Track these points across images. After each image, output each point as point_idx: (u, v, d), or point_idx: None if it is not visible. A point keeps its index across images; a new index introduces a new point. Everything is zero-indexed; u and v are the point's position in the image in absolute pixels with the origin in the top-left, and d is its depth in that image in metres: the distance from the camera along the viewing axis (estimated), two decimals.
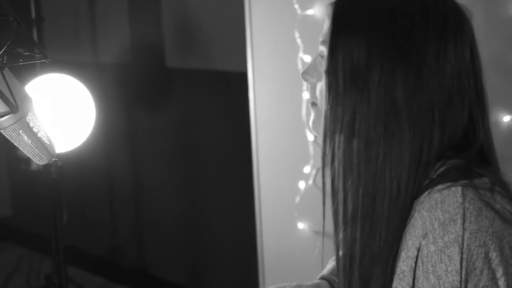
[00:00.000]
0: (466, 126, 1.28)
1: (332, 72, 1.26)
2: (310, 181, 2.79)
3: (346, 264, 1.30)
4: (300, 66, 2.70)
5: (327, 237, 2.75)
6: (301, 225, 2.84)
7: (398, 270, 1.23)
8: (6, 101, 1.10)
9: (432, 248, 1.18)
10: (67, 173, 3.63)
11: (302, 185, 2.80)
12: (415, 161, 1.23)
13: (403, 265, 1.22)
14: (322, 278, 1.63)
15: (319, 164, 2.72)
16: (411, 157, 1.23)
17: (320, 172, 2.72)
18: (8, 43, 1.10)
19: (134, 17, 4.13)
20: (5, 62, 1.12)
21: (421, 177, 1.24)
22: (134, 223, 4.43)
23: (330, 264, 1.67)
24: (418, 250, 1.19)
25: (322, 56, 1.33)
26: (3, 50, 1.09)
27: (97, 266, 4.63)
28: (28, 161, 4.18)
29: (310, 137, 2.74)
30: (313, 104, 1.36)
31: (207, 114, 3.81)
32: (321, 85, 1.32)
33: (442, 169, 1.23)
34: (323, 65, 1.31)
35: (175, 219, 4.13)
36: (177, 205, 4.10)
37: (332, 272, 1.63)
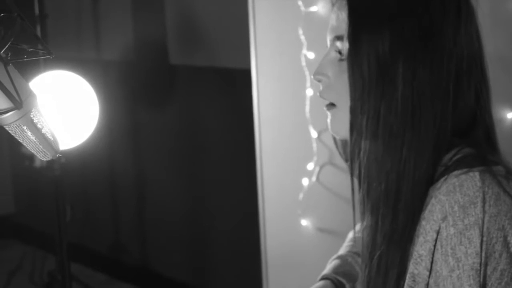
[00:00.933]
0: (474, 109, 1.29)
1: (356, 68, 1.26)
2: (314, 178, 2.78)
3: (368, 252, 1.33)
4: (304, 63, 2.69)
5: (333, 235, 2.75)
6: (304, 222, 2.84)
7: (415, 255, 1.24)
8: (11, 97, 1.09)
9: (452, 230, 1.18)
10: (70, 170, 3.63)
11: (305, 182, 2.80)
12: (434, 147, 1.25)
13: (421, 249, 1.22)
14: (325, 277, 1.63)
15: (323, 161, 2.74)
16: (432, 143, 1.25)
17: (323, 170, 2.73)
18: (12, 39, 1.10)
19: (138, 14, 4.13)
20: (9, 58, 1.12)
21: (436, 162, 1.25)
22: (137, 220, 4.43)
23: (331, 263, 1.67)
24: (437, 233, 1.20)
25: (338, 52, 1.32)
26: (7, 46, 1.09)
27: (100, 263, 4.64)
28: (31, 158, 4.18)
29: (314, 134, 2.74)
30: (331, 105, 1.35)
31: (211, 111, 3.81)
32: (340, 83, 1.31)
33: (457, 156, 1.25)
34: (337, 63, 1.31)
35: (178, 216, 4.13)
36: (180, 202, 4.10)
37: (334, 270, 1.63)
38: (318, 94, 1.38)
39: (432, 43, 1.25)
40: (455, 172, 1.23)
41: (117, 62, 4.32)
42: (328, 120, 1.38)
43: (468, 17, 1.29)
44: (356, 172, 1.34)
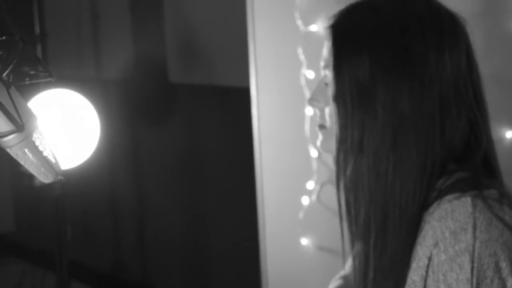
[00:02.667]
0: (467, 134, 1.29)
1: (339, 95, 1.28)
2: (314, 197, 2.78)
3: (361, 279, 1.32)
4: (303, 82, 2.70)
5: (333, 254, 2.75)
6: (304, 241, 2.84)
7: (409, 281, 1.24)
8: (12, 120, 1.10)
9: (443, 256, 1.18)
10: (71, 189, 3.63)
11: (305, 200, 2.80)
12: (420, 172, 1.25)
13: (414, 275, 1.22)
14: None
15: (323, 179, 2.74)
16: (417, 167, 1.25)
17: (323, 188, 2.73)
18: (14, 62, 1.11)
19: (137, 32, 4.14)
20: (11, 80, 1.13)
21: (426, 188, 1.26)
22: (137, 239, 4.42)
23: (334, 283, 1.67)
24: (429, 259, 1.20)
25: (326, 82, 1.34)
26: (9, 69, 1.10)
27: (100, 282, 4.62)
28: (31, 176, 4.17)
29: (314, 152, 2.74)
30: (322, 126, 1.38)
31: (210, 129, 3.81)
32: (329, 108, 1.33)
33: (449, 181, 1.25)
34: (328, 89, 1.33)
35: (179, 235, 4.12)
36: (181, 221, 4.10)
37: None
38: (317, 118, 1.40)
39: (411, 69, 1.25)
40: (448, 197, 1.23)
41: (117, 81, 4.33)
42: (319, 140, 1.39)
43: (452, 40, 1.27)
44: (343, 198, 1.34)
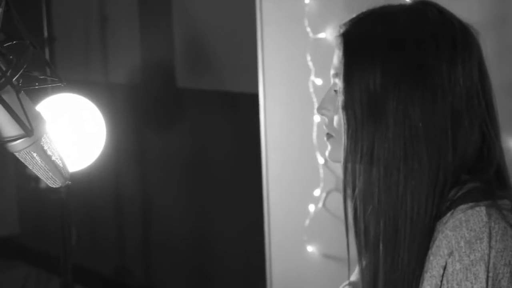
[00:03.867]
0: (479, 146, 1.28)
1: (349, 105, 1.27)
2: (320, 204, 2.78)
3: None
4: (311, 89, 2.70)
5: (339, 262, 2.75)
6: (310, 248, 2.83)
7: None
8: (21, 124, 1.10)
9: (458, 266, 1.18)
10: (76, 192, 3.63)
11: (312, 208, 2.80)
12: (432, 183, 1.25)
13: (427, 284, 1.22)
14: None
15: (329, 187, 2.74)
16: (429, 179, 1.24)
17: (330, 196, 2.73)
18: (25, 66, 1.11)
19: (145, 37, 4.14)
20: (20, 85, 1.13)
21: (439, 199, 1.25)
22: (142, 243, 4.42)
23: None
24: (444, 268, 1.19)
25: (335, 90, 1.34)
26: (19, 73, 1.09)
27: (104, 286, 4.62)
28: (37, 179, 4.18)
29: (321, 160, 2.73)
30: (330, 136, 1.37)
31: (218, 135, 3.81)
32: (338, 117, 1.32)
33: (462, 191, 1.24)
34: (337, 98, 1.32)
35: (184, 240, 4.12)
36: (186, 226, 4.09)
37: None
38: (324, 127, 1.39)
39: (423, 80, 1.24)
40: (461, 207, 1.22)
41: (124, 85, 4.33)
42: (327, 150, 1.39)
43: (465, 52, 1.26)
44: (351, 210, 1.34)
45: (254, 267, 3.46)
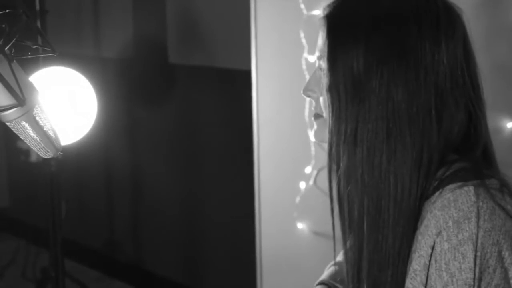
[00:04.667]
0: (466, 125, 1.28)
1: (333, 86, 1.27)
2: (311, 182, 2.78)
3: (354, 272, 1.32)
4: (304, 67, 2.69)
5: (328, 239, 2.75)
6: (300, 225, 2.84)
7: (410, 270, 1.23)
8: (14, 94, 1.09)
9: (446, 245, 1.18)
10: (66, 166, 3.62)
11: (302, 185, 2.80)
12: (416, 164, 1.25)
13: (415, 264, 1.22)
14: (322, 283, 1.63)
15: (320, 165, 2.74)
16: (413, 159, 1.24)
17: (321, 173, 2.73)
18: (17, 36, 1.10)
19: (138, 12, 4.12)
20: (13, 54, 1.12)
21: (424, 180, 1.25)
22: (132, 218, 4.42)
23: (329, 269, 1.67)
24: (432, 248, 1.20)
25: (321, 70, 1.33)
26: (12, 42, 1.09)
27: (93, 259, 4.63)
28: (27, 152, 4.18)
29: (312, 137, 2.73)
30: (317, 116, 1.37)
31: (209, 111, 3.80)
32: (323, 99, 1.32)
33: (450, 171, 1.24)
34: (323, 79, 1.32)
35: (174, 215, 4.13)
36: (176, 201, 4.10)
37: (331, 276, 1.63)
38: (312, 108, 1.39)
39: (406, 61, 1.23)
40: (450, 186, 1.22)
41: (116, 60, 4.31)
42: (313, 129, 1.39)
43: (448, 31, 1.26)
44: (335, 191, 1.33)
45: (244, 244, 3.47)
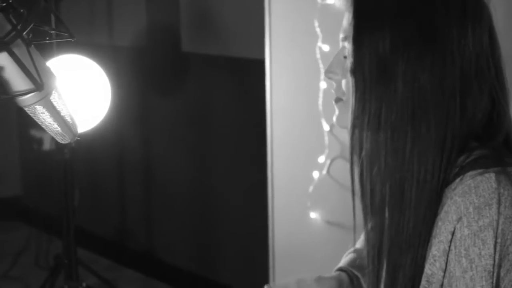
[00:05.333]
0: (488, 112, 1.28)
1: (358, 68, 1.27)
2: (324, 171, 2.78)
3: (375, 254, 1.32)
4: (318, 56, 2.69)
5: (341, 228, 2.75)
6: (313, 215, 2.84)
7: (429, 255, 1.23)
8: (32, 79, 1.09)
9: (466, 231, 1.18)
10: (79, 154, 3.63)
11: (316, 174, 2.80)
12: (440, 146, 1.25)
13: (435, 249, 1.22)
14: (340, 269, 1.63)
15: (334, 154, 2.74)
16: (436, 142, 1.25)
17: (334, 163, 2.73)
18: (35, 20, 1.10)
19: (151, 0, 4.12)
20: (30, 39, 1.12)
21: (446, 164, 1.25)
22: (144, 207, 4.43)
23: (347, 256, 1.68)
24: (452, 234, 1.20)
25: (344, 54, 1.33)
26: (30, 27, 1.08)
27: (104, 248, 4.64)
28: (40, 141, 4.19)
29: (326, 127, 2.73)
30: (338, 100, 1.37)
31: (222, 100, 3.80)
32: (346, 81, 1.32)
33: (471, 158, 1.24)
34: (346, 62, 1.31)
35: (186, 204, 4.13)
36: (189, 190, 4.10)
37: (350, 263, 1.64)
38: (332, 91, 1.39)
39: (433, 44, 1.24)
40: (470, 173, 1.22)
41: (129, 48, 4.32)
42: (335, 114, 1.38)
43: (475, 18, 1.26)
44: (358, 172, 1.34)
45: (257, 233, 3.47)
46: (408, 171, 1.25)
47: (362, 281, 1.61)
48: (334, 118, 1.39)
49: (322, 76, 2.69)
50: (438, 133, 1.24)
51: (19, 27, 1.08)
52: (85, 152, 4.06)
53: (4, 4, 1.07)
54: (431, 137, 1.24)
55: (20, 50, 1.09)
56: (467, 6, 1.26)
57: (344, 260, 1.65)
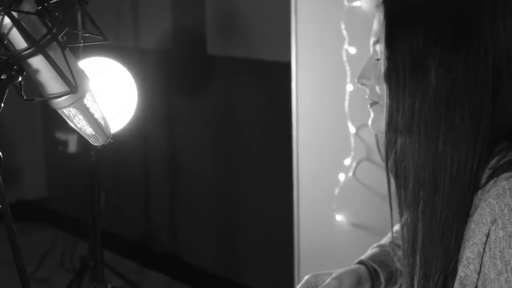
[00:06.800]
0: None
1: (392, 67, 1.27)
2: (350, 174, 2.78)
3: (409, 247, 1.34)
4: (345, 58, 2.69)
5: (367, 231, 2.75)
6: (339, 217, 2.84)
7: (463, 258, 1.23)
8: (67, 81, 1.10)
9: (501, 233, 1.18)
10: (105, 157, 3.65)
11: (342, 177, 2.80)
12: (473, 139, 1.25)
13: (469, 252, 1.22)
14: (360, 262, 1.64)
15: (360, 156, 2.74)
16: (470, 135, 1.25)
17: (360, 165, 2.73)
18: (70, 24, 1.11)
19: (177, 2, 4.14)
20: (65, 42, 1.13)
21: (480, 155, 1.25)
22: (169, 209, 4.45)
23: (370, 250, 1.69)
24: (487, 236, 1.19)
25: (376, 58, 1.34)
26: (65, 30, 1.10)
27: (130, 250, 4.66)
28: (65, 143, 4.21)
29: (352, 129, 2.73)
30: (374, 103, 1.37)
31: (248, 103, 3.81)
32: (380, 85, 1.33)
33: (504, 160, 1.24)
34: (380, 64, 1.32)
35: (211, 206, 4.14)
36: (214, 192, 4.11)
37: (370, 257, 1.65)
38: (366, 97, 1.39)
39: (466, 38, 1.24)
40: (504, 175, 1.22)
41: (155, 50, 4.33)
42: (370, 118, 1.39)
43: (506, 12, 1.27)
44: (393, 168, 1.34)
45: (282, 235, 3.48)
46: (442, 163, 1.26)
47: (381, 275, 1.62)
48: (370, 122, 1.39)
49: (349, 78, 2.69)
50: (471, 124, 1.24)
51: (54, 30, 1.09)
52: (111, 154, 4.08)
53: (40, 7, 1.08)
54: (465, 128, 1.25)
55: (55, 53, 1.10)
56: (498, 0, 1.27)
57: (367, 253, 1.67)
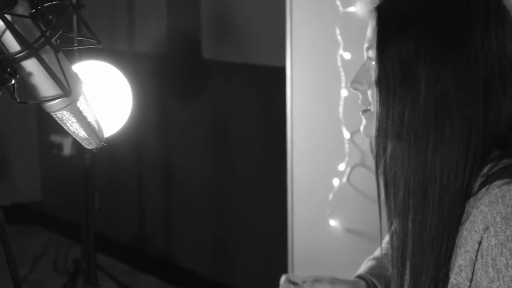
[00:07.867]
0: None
1: (382, 73, 1.27)
2: (344, 179, 2.78)
3: (399, 255, 1.33)
4: (339, 63, 2.69)
5: (361, 236, 2.75)
6: (333, 222, 2.84)
7: (455, 265, 1.23)
8: (60, 84, 1.10)
9: (493, 241, 1.18)
10: (99, 160, 3.65)
11: (336, 182, 2.80)
12: (464, 148, 1.25)
13: (461, 259, 1.22)
14: (359, 277, 1.63)
15: (354, 162, 2.74)
16: (460, 143, 1.25)
17: (354, 171, 2.73)
18: (63, 27, 1.11)
19: (172, 7, 4.14)
20: (59, 45, 1.13)
21: (471, 166, 1.25)
22: (162, 212, 4.44)
23: (366, 264, 1.68)
24: (479, 243, 1.19)
25: (370, 60, 1.34)
26: (59, 34, 1.10)
27: (123, 253, 4.65)
28: (59, 146, 4.21)
29: (346, 134, 2.73)
30: (365, 110, 1.37)
31: (243, 107, 3.81)
32: (371, 90, 1.33)
33: (497, 167, 1.24)
34: (371, 69, 1.32)
35: (205, 210, 4.14)
36: (208, 196, 4.11)
37: (368, 271, 1.64)
38: (359, 101, 1.39)
39: (457, 45, 1.24)
40: (497, 183, 1.22)
41: (150, 55, 4.33)
42: (362, 124, 1.39)
43: (498, 21, 1.27)
44: (382, 175, 1.34)
45: (276, 239, 3.48)
46: (431, 172, 1.26)
47: None
48: (361, 128, 1.39)
49: (343, 84, 2.69)
50: (461, 133, 1.24)
51: (48, 33, 1.09)
52: (105, 158, 4.08)
53: (34, 10, 1.08)
54: (455, 137, 1.24)
55: (48, 56, 1.10)
56: (490, 9, 1.27)
57: (363, 268, 1.65)
